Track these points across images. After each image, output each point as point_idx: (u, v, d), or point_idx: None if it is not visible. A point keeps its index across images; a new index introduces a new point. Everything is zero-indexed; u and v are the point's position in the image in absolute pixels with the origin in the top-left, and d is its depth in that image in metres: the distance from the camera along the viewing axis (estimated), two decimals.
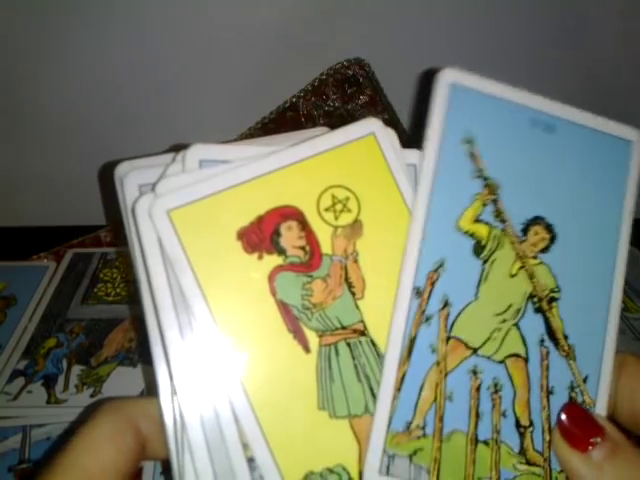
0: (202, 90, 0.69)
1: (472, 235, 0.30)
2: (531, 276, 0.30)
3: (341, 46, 0.68)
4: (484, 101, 0.31)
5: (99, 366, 0.55)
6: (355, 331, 0.29)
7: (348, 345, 0.28)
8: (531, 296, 0.30)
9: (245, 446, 0.26)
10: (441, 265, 0.29)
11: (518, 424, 0.29)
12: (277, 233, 0.29)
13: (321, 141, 0.30)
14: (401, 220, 0.30)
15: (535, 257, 0.31)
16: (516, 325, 0.30)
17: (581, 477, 0.27)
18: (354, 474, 0.27)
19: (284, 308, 0.28)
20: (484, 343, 0.29)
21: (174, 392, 0.27)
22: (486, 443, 0.28)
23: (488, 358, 0.29)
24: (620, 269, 0.31)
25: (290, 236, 0.29)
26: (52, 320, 0.60)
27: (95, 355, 0.56)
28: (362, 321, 0.29)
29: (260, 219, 0.28)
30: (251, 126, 0.70)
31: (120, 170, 0.29)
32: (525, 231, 0.31)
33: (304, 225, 0.29)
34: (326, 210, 0.29)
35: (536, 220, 0.31)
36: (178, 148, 0.29)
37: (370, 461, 0.27)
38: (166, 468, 0.27)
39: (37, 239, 0.72)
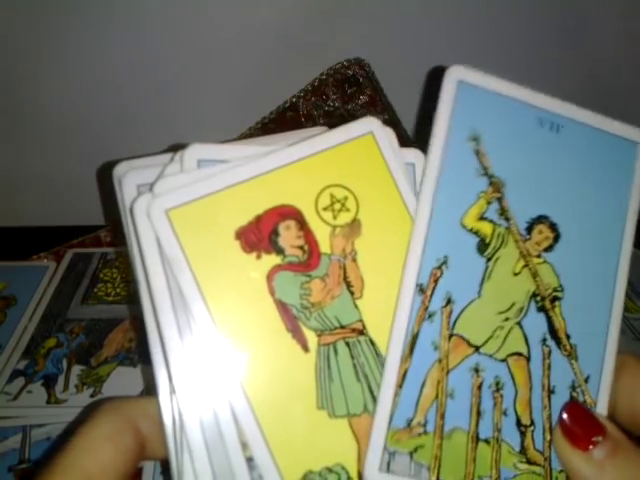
0: (202, 90, 0.69)
1: (476, 233, 0.30)
2: (534, 275, 0.30)
3: (341, 46, 0.68)
4: (491, 99, 0.31)
5: (99, 366, 0.55)
6: (354, 330, 0.28)
7: (347, 344, 0.28)
8: (534, 295, 0.30)
9: (244, 445, 0.26)
10: (445, 262, 0.29)
11: (519, 423, 0.29)
12: (275, 233, 0.29)
13: (319, 140, 0.30)
14: (400, 219, 0.30)
15: (539, 256, 0.31)
16: (519, 324, 0.30)
17: (582, 476, 0.27)
18: (353, 473, 0.27)
19: (283, 307, 0.28)
20: (486, 341, 0.29)
21: (173, 392, 0.27)
22: (487, 441, 0.28)
23: (490, 356, 0.29)
24: (623, 270, 0.31)
25: (288, 235, 0.29)
26: (52, 320, 0.60)
27: (95, 355, 0.56)
28: (361, 320, 0.29)
29: (258, 218, 0.28)
30: (251, 126, 0.70)
31: (118, 170, 0.29)
32: (529, 230, 0.31)
33: (302, 224, 0.29)
34: (324, 209, 0.29)
35: (540, 219, 0.31)
36: (176, 148, 0.29)
37: (371, 458, 0.27)
38: (166, 468, 0.27)
39: (37, 239, 0.72)
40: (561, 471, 0.29)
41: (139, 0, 0.62)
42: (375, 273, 0.29)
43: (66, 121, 0.68)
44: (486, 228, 0.30)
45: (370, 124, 0.31)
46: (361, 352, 0.28)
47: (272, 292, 0.28)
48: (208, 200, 0.28)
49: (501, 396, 0.29)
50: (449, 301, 0.29)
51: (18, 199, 0.74)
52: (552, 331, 0.30)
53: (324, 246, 0.29)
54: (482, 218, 0.30)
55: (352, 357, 0.28)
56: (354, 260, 0.29)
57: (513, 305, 0.30)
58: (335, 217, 0.29)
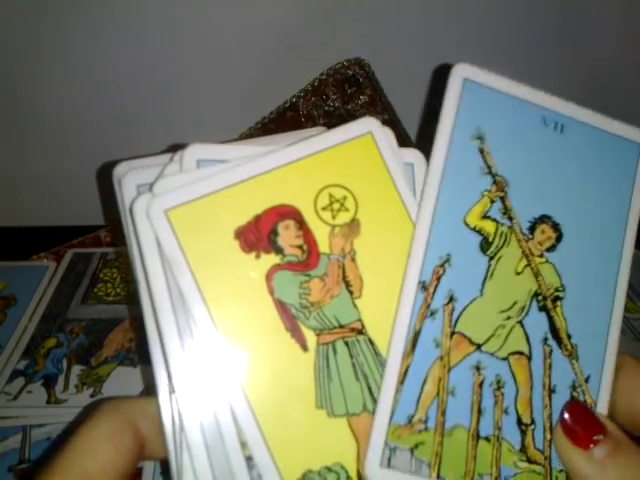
0: (202, 90, 0.69)
1: (479, 231, 0.30)
2: (536, 274, 0.30)
3: (341, 46, 0.68)
4: (496, 97, 0.31)
5: (99, 366, 0.55)
6: (353, 330, 0.29)
7: (346, 344, 0.28)
8: (536, 294, 0.30)
9: (243, 445, 0.26)
10: (447, 260, 0.29)
11: (520, 422, 0.29)
12: (274, 232, 0.29)
13: (318, 140, 0.30)
14: (398, 219, 0.30)
15: (541, 255, 0.31)
16: (520, 323, 0.30)
17: (583, 475, 0.27)
18: (352, 473, 0.27)
19: (282, 307, 0.28)
20: (488, 339, 0.29)
21: (173, 392, 0.27)
22: (487, 439, 0.28)
23: (492, 355, 0.29)
24: (624, 271, 0.32)
25: (287, 235, 0.29)
26: (52, 320, 0.60)
27: (95, 355, 0.56)
28: (360, 320, 0.29)
29: (257, 218, 0.28)
30: (251, 126, 0.70)
31: (118, 170, 0.29)
32: (532, 229, 0.31)
33: (301, 224, 0.29)
34: (323, 209, 0.29)
35: (543, 219, 0.31)
36: (176, 148, 0.29)
37: (372, 453, 0.27)
38: (166, 468, 0.27)
39: (37, 239, 0.72)
40: (561, 470, 0.29)
41: (139, 0, 0.62)
42: (374, 273, 0.29)
43: (66, 121, 0.68)
44: (489, 227, 0.30)
45: (369, 124, 0.31)
46: (360, 351, 0.28)
47: (271, 291, 0.28)
48: (207, 200, 0.28)
49: (502, 394, 0.29)
50: (451, 299, 0.29)
51: (18, 199, 0.74)
52: (553, 331, 0.30)
53: (323, 246, 0.29)
54: (485, 217, 0.30)
55: (351, 356, 0.28)
56: (353, 260, 0.29)
57: (515, 304, 0.30)
58: (334, 217, 0.29)
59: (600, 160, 0.32)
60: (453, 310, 0.29)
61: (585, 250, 0.31)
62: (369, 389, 0.28)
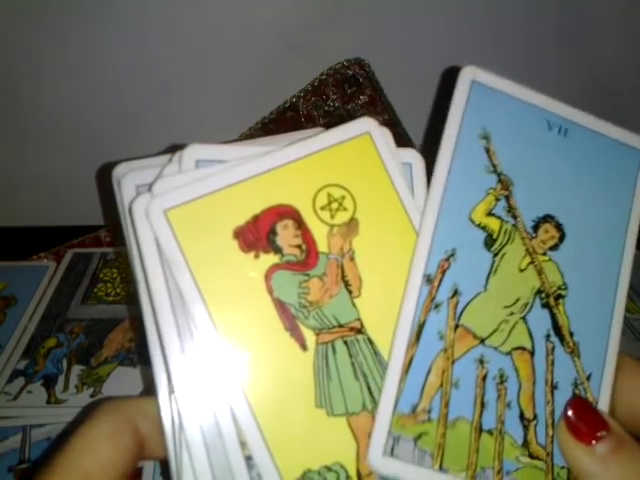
0: (202, 90, 0.69)
1: (484, 228, 0.31)
2: (540, 272, 0.31)
3: (341, 46, 0.68)
4: (502, 100, 0.32)
5: (99, 366, 0.55)
6: (352, 329, 0.29)
7: (345, 343, 0.28)
8: (539, 291, 0.31)
9: (243, 444, 0.26)
10: (452, 254, 0.30)
11: (522, 416, 0.29)
12: (273, 232, 0.29)
13: (317, 140, 0.30)
14: (397, 218, 0.30)
15: (544, 254, 0.31)
16: (523, 319, 0.30)
17: (585, 471, 0.27)
18: (352, 472, 0.27)
19: (281, 306, 0.28)
20: (491, 334, 0.30)
21: (172, 392, 0.27)
22: (490, 433, 0.29)
23: (495, 349, 0.30)
24: (625, 272, 0.32)
25: (286, 235, 0.29)
26: (52, 320, 0.60)
27: (95, 355, 0.56)
28: (359, 319, 0.29)
29: (256, 218, 0.28)
30: (251, 126, 0.70)
31: (118, 171, 0.30)
32: (535, 228, 0.31)
33: (300, 224, 0.29)
34: (322, 209, 0.29)
35: (546, 218, 0.31)
36: (175, 148, 0.29)
37: (375, 442, 0.27)
38: (166, 468, 0.27)
39: (37, 239, 0.72)
40: (563, 467, 0.29)
41: (139, 0, 0.62)
42: (373, 272, 0.29)
43: (66, 121, 0.68)
44: (494, 224, 0.31)
45: (367, 124, 0.31)
46: (359, 351, 0.28)
47: (270, 291, 0.28)
48: (206, 200, 0.28)
49: (505, 388, 0.29)
50: (456, 292, 0.30)
51: (18, 199, 0.74)
52: (556, 328, 0.31)
53: (322, 245, 0.29)
54: (490, 214, 0.31)
55: (350, 356, 0.28)
56: (352, 259, 0.29)
57: (518, 300, 0.30)
58: (333, 216, 0.29)
59: (602, 164, 0.33)
60: (457, 304, 0.29)
61: (587, 250, 0.32)
62: (368, 388, 0.28)
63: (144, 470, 0.46)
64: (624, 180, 0.33)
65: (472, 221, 0.30)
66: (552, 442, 0.29)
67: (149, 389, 0.51)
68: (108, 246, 0.71)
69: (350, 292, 0.29)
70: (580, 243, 0.32)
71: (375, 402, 0.28)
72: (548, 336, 0.30)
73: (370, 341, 0.29)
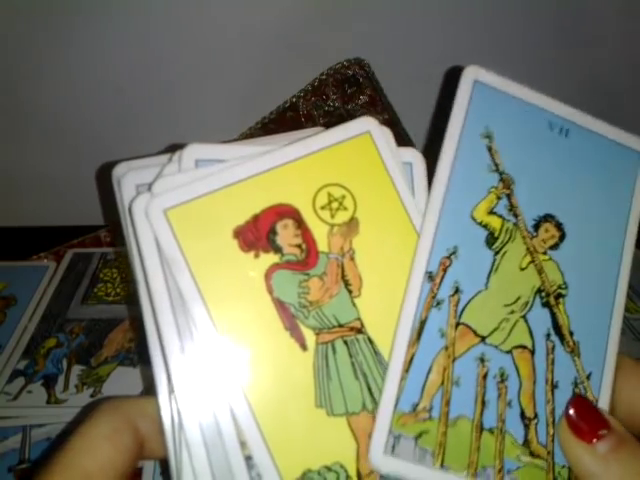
0: (202, 90, 0.69)
1: (485, 226, 0.31)
2: (540, 271, 0.31)
3: (341, 46, 0.68)
4: (504, 100, 0.32)
5: (99, 366, 0.55)
6: (352, 329, 0.29)
7: (345, 343, 0.28)
8: (539, 290, 0.31)
9: (242, 444, 0.26)
10: (454, 252, 0.30)
11: (523, 415, 0.29)
12: (273, 231, 0.29)
13: (317, 140, 0.30)
14: (397, 218, 0.30)
15: (545, 253, 0.31)
16: (524, 317, 0.30)
17: (586, 469, 0.27)
18: (352, 472, 0.27)
19: (281, 306, 0.28)
20: (492, 332, 0.30)
21: (172, 391, 0.27)
22: (491, 431, 0.29)
23: (496, 347, 0.30)
24: (625, 271, 0.32)
25: (286, 234, 0.29)
26: (52, 320, 0.60)
27: (95, 355, 0.56)
28: (359, 319, 0.29)
29: (256, 218, 0.28)
30: (251, 126, 0.70)
31: (117, 171, 0.29)
32: (536, 227, 0.31)
33: (300, 223, 0.29)
34: (322, 208, 0.29)
35: (547, 218, 0.32)
36: (175, 148, 0.29)
37: (376, 440, 0.27)
38: (165, 468, 0.27)
39: (37, 239, 0.72)
40: (564, 466, 0.29)
41: (139, 0, 0.62)
42: (373, 271, 0.29)
43: (66, 121, 0.68)
44: (495, 222, 0.31)
45: (367, 123, 0.31)
46: (359, 350, 0.28)
47: (270, 291, 0.28)
48: (206, 199, 0.28)
49: (505, 387, 0.29)
50: (457, 290, 0.30)
51: (18, 199, 0.74)
52: (556, 327, 0.31)
53: (322, 245, 0.29)
54: (492, 212, 0.31)
55: (350, 355, 0.28)
56: (352, 259, 0.29)
57: (519, 299, 0.30)
58: (333, 216, 0.29)
59: (602, 165, 0.33)
60: (458, 301, 0.30)
61: (587, 250, 0.32)
62: (368, 388, 0.28)
63: (144, 470, 0.46)
64: (623, 180, 0.33)
65: (474, 219, 0.31)
66: (553, 441, 0.29)
67: (149, 389, 0.51)
68: (108, 246, 0.71)
69: (350, 292, 0.29)
70: (580, 243, 0.32)
71: (375, 402, 0.28)
72: (548, 335, 0.30)
73: (370, 341, 0.29)
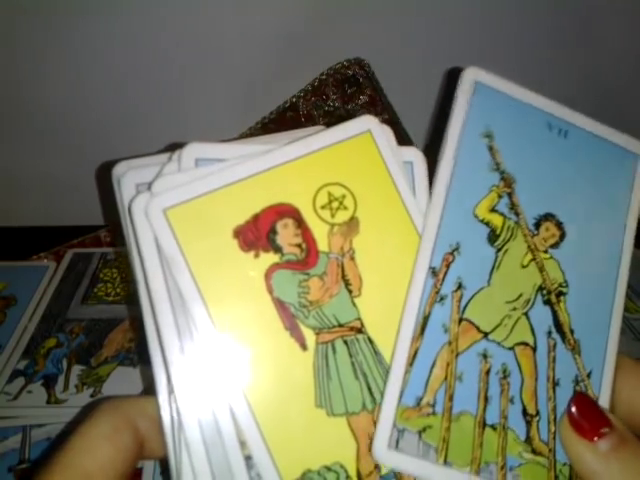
0: (202, 90, 0.69)
1: (487, 223, 0.31)
2: (541, 269, 0.31)
3: (341, 46, 0.68)
4: (504, 101, 0.32)
5: (99, 366, 0.55)
6: (352, 329, 0.28)
7: (345, 343, 0.28)
8: (541, 288, 0.31)
9: (242, 444, 0.26)
10: (457, 249, 0.30)
11: (525, 412, 0.29)
12: (273, 231, 0.29)
13: (317, 139, 0.30)
14: (398, 217, 0.30)
15: (545, 251, 0.32)
16: (525, 314, 0.31)
17: (587, 467, 0.27)
18: (352, 472, 0.27)
19: (281, 306, 0.28)
20: (495, 328, 0.30)
21: (172, 391, 0.27)
22: (493, 427, 0.29)
23: (498, 344, 0.30)
24: (624, 271, 0.32)
25: (286, 234, 0.29)
26: (52, 320, 0.60)
27: (95, 355, 0.56)
28: (359, 319, 0.29)
29: (256, 217, 0.28)
30: (251, 126, 0.70)
31: (117, 170, 0.29)
32: (537, 226, 0.32)
33: (300, 223, 0.29)
34: (322, 208, 0.29)
35: (547, 217, 0.32)
36: (175, 147, 0.29)
37: (380, 434, 0.27)
38: (165, 468, 0.27)
39: (37, 239, 0.72)
40: (565, 464, 0.29)
41: (138, 0, 0.62)
42: (373, 271, 0.29)
43: (66, 121, 0.68)
44: (497, 220, 0.31)
45: (368, 122, 0.31)
46: (359, 350, 0.28)
47: (270, 290, 0.28)
48: (206, 199, 0.28)
49: (508, 383, 0.29)
50: (460, 286, 0.30)
51: (18, 199, 0.74)
52: (557, 325, 0.31)
53: (322, 244, 0.29)
54: (493, 210, 0.31)
55: (350, 355, 0.28)
56: (352, 258, 0.29)
57: (520, 296, 0.31)
58: (333, 215, 0.29)
59: (600, 166, 0.33)
60: (461, 297, 0.30)
61: (586, 249, 0.32)
62: (368, 388, 0.28)
63: (144, 470, 0.46)
64: (621, 181, 0.33)
65: (476, 216, 0.31)
66: (554, 439, 0.29)
67: (149, 389, 0.51)
68: (108, 246, 0.71)
69: (350, 291, 0.29)
70: (580, 242, 0.32)
71: (375, 402, 0.28)
72: (549, 333, 0.31)
73: (370, 341, 0.29)
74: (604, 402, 0.30)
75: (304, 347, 0.28)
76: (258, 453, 0.26)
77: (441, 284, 0.29)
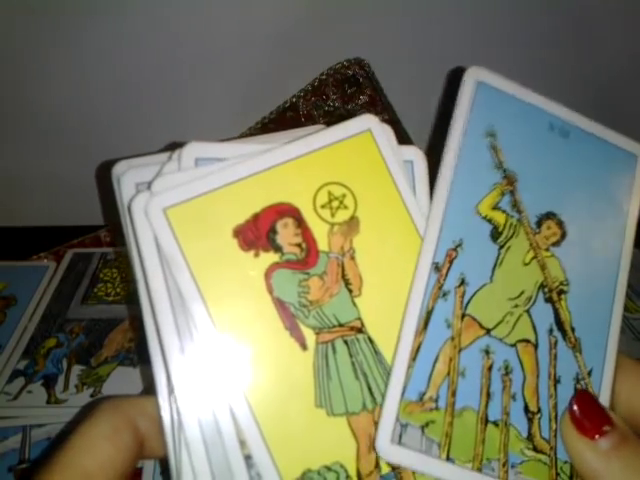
0: (202, 90, 0.69)
1: (490, 220, 0.31)
2: (543, 267, 0.31)
3: (341, 46, 0.68)
4: (506, 100, 0.32)
5: (99, 366, 0.55)
6: (352, 328, 0.28)
7: (345, 343, 0.28)
8: (542, 286, 0.31)
9: (242, 444, 0.26)
10: (460, 245, 0.30)
11: (527, 409, 0.29)
12: (273, 230, 0.28)
13: (317, 138, 0.30)
14: (398, 217, 0.30)
15: (547, 250, 0.32)
16: (527, 312, 0.31)
17: (587, 465, 0.27)
18: (352, 472, 0.27)
19: (281, 306, 0.28)
20: (497, 325, 0.30)
21: (172, 391, 0.27)
22: (495, 424, 0.29)
23: (500, 340, 0.30)
24: (624, 271, 0.33)
25: (286, 233, 0.29)
26: (52, 320, 0.60)
27: (95, 355, 0.56)
28: (359, 318, 0.29)
29: (256, 216, 0.28)
30: (251, 126, 0.70)
31: (117, 169, 0.29)
32: (538, 224, 0.32)
33: (300, 222, 0.29)
34: (322, 207, 0.29)
35: (549, 215, 0.32)
36: (174, 146, 0.29)
37: (383, 428, 0.27)
38: (166, 467, 0.27)
39: (37, 239, 0.72)
40: (566, 462, 0.29)
41: (139, 0, 0.62)
42: (374, 271, 0.29)
43: (66, 121, 0.68)
44: (499, 217, 0.31)
45: (368, 121, 0.31)
46: (359, 350, 0.28)
47: (270, 290, 0.28)
48: (206, 198, 0.28)
49: (510, 380, 0.30)
50: (462, 282, 0.30)
51: (18, 199, 0.74)
52: (558, 322, 0.31)
53: (322, 244, 0.29)
54: (496, 207, 0.31)
55: (350, 355, 0.28)
56: (352, 258, 0.29)
57: (522, 293, 0.31)
58: (333, 215, 0.29)
59: (600, 166, 0.34)
60: (464, 293, 0.30)
61: (587, 249, 0.32)
62: (369, 388, 0.28)
63: (144, 470, 0.46)
64: (621, 181, 0.34)
65: (479, 213, 0.31)
66: (555, 436, 0.29)
67: (149, 389, 0.51)
68: (108, 246, 0.71)
69: (350, 291, 0.29)
70: (580, 241, 0.32)
71: (375, 402, 0.28)
72: (551, 330, 0.31)
73: (370, 340, 0.29)
74: (604, 401, 0.30)
75: (304, 347, 0.28)
76: (258, 453, 0.26)
77: (444, 279, 0.30)
